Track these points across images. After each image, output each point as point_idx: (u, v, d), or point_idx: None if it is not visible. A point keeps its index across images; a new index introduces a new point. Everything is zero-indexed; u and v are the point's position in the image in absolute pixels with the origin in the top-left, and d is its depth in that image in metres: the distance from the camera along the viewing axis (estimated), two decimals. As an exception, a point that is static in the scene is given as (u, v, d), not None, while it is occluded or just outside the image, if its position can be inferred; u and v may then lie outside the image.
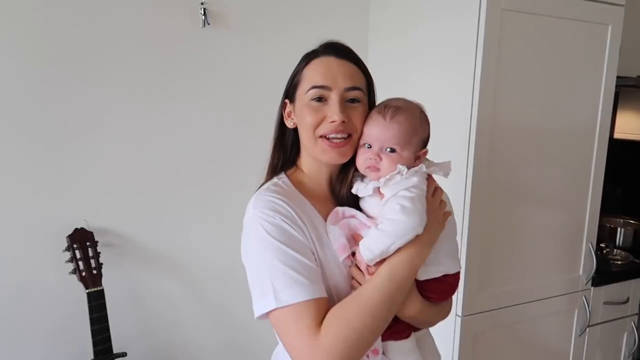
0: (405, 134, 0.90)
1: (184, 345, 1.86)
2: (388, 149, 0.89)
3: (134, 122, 1.66)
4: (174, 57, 1.68)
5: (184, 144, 1.74)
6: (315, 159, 0.94)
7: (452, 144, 1.56)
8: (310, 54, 0.95)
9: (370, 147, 0.91)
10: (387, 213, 0.86)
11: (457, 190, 1.54)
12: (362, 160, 0.92)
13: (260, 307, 0.83)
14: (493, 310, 1.64)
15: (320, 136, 0.90)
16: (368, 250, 0.84)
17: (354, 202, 0.95)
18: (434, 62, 1.65)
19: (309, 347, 0.78)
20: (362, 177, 0.95)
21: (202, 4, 1.67)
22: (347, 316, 0.80)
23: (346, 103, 0.91)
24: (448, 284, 0.95)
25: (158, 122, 1.69)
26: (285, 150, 0.99)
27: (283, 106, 0.98)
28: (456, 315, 1.58)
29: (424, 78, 1.70)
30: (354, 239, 0.89)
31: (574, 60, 1.64)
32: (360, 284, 0.88)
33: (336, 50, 0.94)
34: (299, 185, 0.95)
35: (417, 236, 0.85)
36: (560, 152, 1.68)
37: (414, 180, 0.88)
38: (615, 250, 2.10)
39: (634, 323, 1.99)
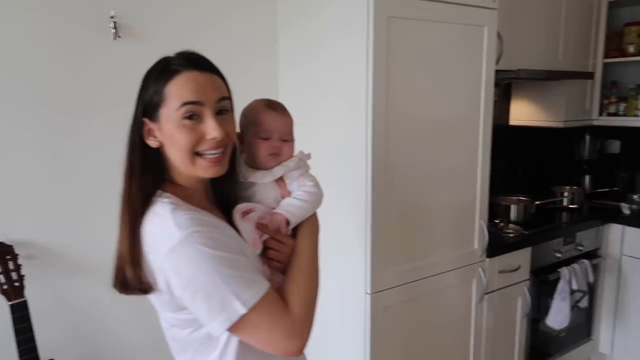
0: (293, 125, 1.08)
1: (114, 348, 1.91)
2: (285, 139, 1.05)
3: (45, 132, 1.68)
4: (85, 69, 1.71)
5: (97, 151, 1.77)
6: (185, 172, 0.93)
7: (352, 136, 1.72)
8: (168, 69, 0.89)
9: (269, 138, 1.03)
10: (300, 188, 1.04)
11: (358, 178, 1.70)
12: (265, 150, 1.04)
13: (225, 319, 0.84)
14: (400, 285, 1.82)
15: (196, 153, 0.90)
16: (292, 215, 1.01)
17: (235, 200, 1.02)
18: (333, 68, 1.80)
19: (290, 326, 0.88)
20: (245, 170, 1.05)
21: (111, 17, 1.72)
22: (302, 287, 0.95)
23: (218, 116, 0.90)
24: None
25: (71, 131, 1.72)
26: (151, 171, 0.93)
27: (140, 125, 0.91)
28: (366, 293, 1.75)
29: (325, 82, 1.85)
30: (260, 228, 1.00)
31: (456, 58, 1.85)
32: (280, 255, 1.00)
33: (197, 63, 0.91)
34: (185, 199, 0.92)
35: None
36: (450, 139, 1.89)
37: (310, 163, 1.09)
38: (509, 224, 2.37)
39: (526, 287, 2.26)
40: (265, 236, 1.00)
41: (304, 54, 1.97)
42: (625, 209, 2.62)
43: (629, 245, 2.55)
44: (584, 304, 2.45)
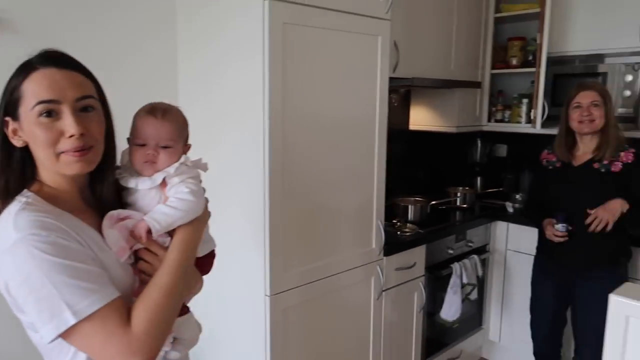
0: (176, 130, 1.04)
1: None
2: (164, 145, 1.01)
3: None
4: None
5: None
6: (53, 170, 0.91)
7: (249, 140, 1.73)
8: (26, 66, 0.88)
9: (144, 145, 1.01)
10: (175, 195, 1.00)
11: (256, 182, 1.72)
12: (140, 157, 1.01)
13: (52, 328, 0.81)
14: (300, 286, 1.86)
15: (61, 152, 0.88)
16: (156, 222, 0.95)
17: (115, 204, 0.99)
18: (231, 70, 1.80)
19: (126, 343, 0.83)
20: (130, 175, 1.02)
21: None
22: (152, 302, 0.88)
23: (80, 113, 0.89)
24: (213, 257, 1.13)
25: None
26: (15, 171, 0.90)
27: (4, 124, 0.89)
28: (265, 295, 1.77)
29: (224, 84, 1.84)
30: (133, 237, 0.97)
31: (352, 65, 1.93)
32: (151, 267, 0.96)
33: (56, 60, 0.89)
34: (52, 200, 0.90)
35: (196, 217, 1.01)
36: (348, 143, 1.96)
37: (197, 170, 1.06)
38: (407, 224, 2.50)
39: (422, 283, 2.40)
40: (139, 245, 0.97)
41: (202, 51, 1.95)
42: (510, 207, 2.87)
43: (513, 241, 2.79)
44: (474, 296, 2.65)
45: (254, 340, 1.84)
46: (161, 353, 0.99)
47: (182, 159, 1.04)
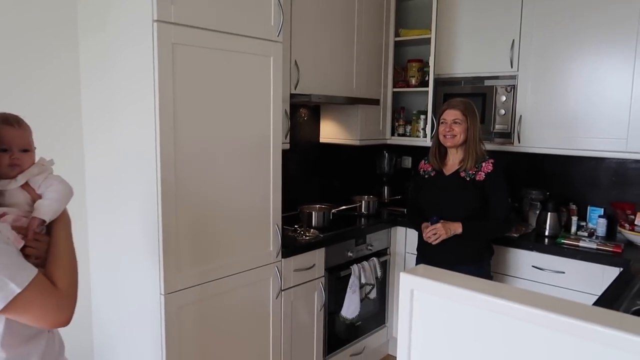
0: (30, 136, 1.24)
1: None
2: (24, 149, 1.19)
3: None
4: None
5: None
6: None
7: (142, 152, 1.87)
8: None
9: (6, 150, 1.16)
10: (47, 187, 1.20)
11: (149, 191, 1.86)
12: (5, 162, 1.16)
13: (1, 300, 0.99)
14: (195, 285, 2.00)
15: None
16: (47, 215, 1.17)
17: None
18: (131, 93, 1.93)
19: (59, 301, 1.08)
20: None
21: None
22: (66, 268, 1.15)
23: None
24: None
25: None
26: None
27: None
28: (160, 294, 1.90)
29: (121, 98, 1.98)
30: (16, 230, 1.12)
31: (245, 84, 2.12)
32: (37, 251, 1.15)
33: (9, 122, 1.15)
34: None
35: None
36: (243, 157, 2.13)
37: (51, 167, 1.27)
38: (310, 229, 2.70)
39: (321, 283, 2.60)
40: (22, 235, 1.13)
41: (101, 71, 2.07)
42: (408, 213, 3.14)
43: (410, 244, 3.05)
44: (373, 295, 2.87)
45: (149, 338, 1.96)
46: None
47: (40, 159, 1.24)
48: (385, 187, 3.55)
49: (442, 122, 2.34)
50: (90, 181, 2.18)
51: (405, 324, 1.13)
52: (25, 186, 1.18)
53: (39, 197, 1.19)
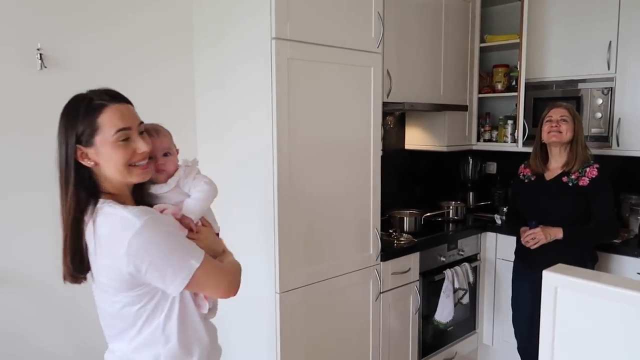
0: (170, 140, 1.37)
1: (37, 356, 2.01)
2: (165, 153, 1.33)
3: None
4: (11, 100, 1.87)
5: (31, 183, 1.92)
6: (124, 182, 1.20)
7: (260, 158, 2.01)
8: (93, 105, 1.14)
9: (152, 158, 1.29)
10: (194, 187, 1.34)
11: (266, 193, 2.00)
12: (153, 169, 1.29)
13: (185, 276, 1.15)
14: (305, 286, 2.11)
15: (130, 165, 1.17)
16: (193, 214, 1.30)
17: (149, 203, 1.29)
18: (248, 103, 2.09)
19: (228, 271, 1.28)
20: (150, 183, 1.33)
21: (38, 49, 1.91)
22: (229, 258, 1.38)
23: (141, 135, 1.20)
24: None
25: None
26: (85, 185, 1.16)
27: (74, 150, 1.14)
28: (275, 292, 2.03)
29: (237, 108, 2.14)
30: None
31: (349, 93, 2.22)
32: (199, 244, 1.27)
33: (118, 97, 1.18)
34: (119, 202, 1.19)
35: None
36: (347, 162, 2.24)
37: (197, 167, 1.40)
38: (402, 234, 2.75)
39: (416, 287, 2.65)
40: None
41: (217, 81, 2.25)
42: (498, 219, 3.12)
43: (502, 250, 3.03)
44: (465, 300, 2.88)
45: (264, 333, 2.09)
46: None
47: (184, 162, 1.37)
48: (470, 193, 3.54)
49: (547, 121, 2.33)
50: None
51: (549, 321, 1.17)
52: (177, 188, 1.32)
53: (188, 196, 1.33)
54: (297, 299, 2.09)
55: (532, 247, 2.32)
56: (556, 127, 2.28)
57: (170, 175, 1.34)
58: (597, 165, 2.28)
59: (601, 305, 1.09)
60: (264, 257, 2.05)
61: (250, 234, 2.12)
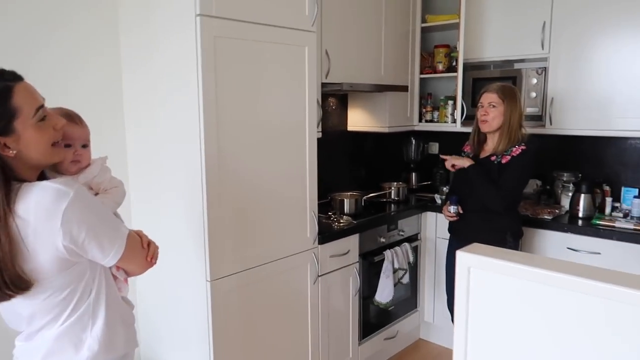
0: (89, 132, 1.30)
1: None
2: (84, 144, 1.25)
3: None
4: None
5: None
6: (45, 165, 1.16)
7: (187, 140, 1.92)
8: (3, 89, 1.03)
9: (70, 146, 1.21)
10: (112, 188, 1.30)
11: (194, 179, 1.92)
12: (69, 157, 1.22)
13: (119, 242, 1.15)
14: (239, 272, 2.06)
15: (53, 144, 1.12)
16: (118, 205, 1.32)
17: None
18: (173, 85, 1.99)
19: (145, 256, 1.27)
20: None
21: None
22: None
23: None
24: None
25: None
26: (7, 177, 1.05)
27: None
28: (206, 280, 1.96)
29: (163, 91, 2.04)
30: None
31: (283, 74, 2.15)
32: None
33: (17, 75, 1.08)
34: None
35: None
36: (281, 145, 2.18)
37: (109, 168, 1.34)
38: (343, 216, 2.74)
39: (356, 268, 2.65)
40: None
41: (143, 63, 2.13)
42: (438, 199, 3.16)
43: (441, 229, 3.07)
44: (405, 280, 2.91)
45: (196, 325, 2.03)
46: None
47: (98, 158, 1.31)
48: (413, 174, 3.56)
49: (479, 106, 2.36)
50: (133, 171, 2.24)
51: (462, 301, 1.17)
52: (84, 184, 1.25)
53: (95, 193, 1.27)
54: (230, 286, 2.03)
55: (451, 220, 2.49)
56: (485, 114, 2.32)
57: (82, 169, 1.27)
58: (524, 147, 2.31)
59: (514, 284, 1.09)
60: (193, 245, 1.98)
61: (179, 220, 2.04)
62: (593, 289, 0.88)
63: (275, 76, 2.13)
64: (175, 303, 2.14)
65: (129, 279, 1.33)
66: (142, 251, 1.24)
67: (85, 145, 1.27)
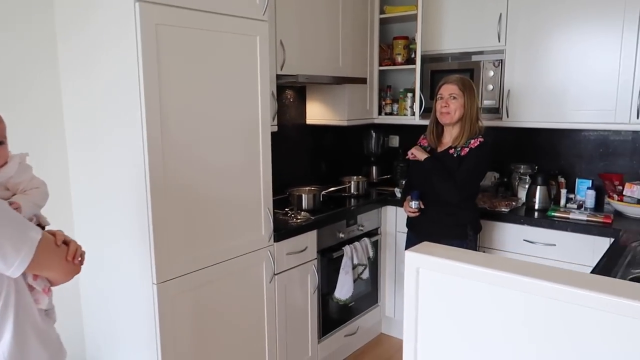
0: (5, 128, 1.18)
1: None
2: (1, 142, 1.14)
3: None
4: None
5: None
6: None
7: (129, 137, 1.81)
8: None
9: None
10: (33, 189, 1.18)
11: (137, 177, 1.80)
12: None
13: (26, 250, 1.03)
14: (189, 273, 1.96)
15: None
16: (26, 214, 1.15)
17: None
18: (114, 77, 1.86)
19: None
20: None
21: None
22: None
23: None
24: None
25: None
26: None
27: None
28: (152, 283, 1.86)
29: (104, 88, 1.91)
30: None
31: (232, 66, 2.05)
32: None
33: None
34: None
35: None
36: (232, 140, 2.08)
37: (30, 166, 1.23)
38: (300, 212, 2.67)
39: (314, 265, 2.58)
40: None
41: (83, 60, 1.99)
42: (398, 192, 3.13)
43: (401, 223, 3.03)
44: (365, 275, 2.87)
45: (144, 329, 1.92)
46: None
47: (18, 156, 1.19)
48: (374, 167, 3.52)
49: (439, 98, 2.32)
50: (74, 169, 2.10)
51: (412, 301, 1.12)
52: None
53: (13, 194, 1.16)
54: (179, 288, 1.93)
55: (413, 216, 2.42)
56: (446, 106, 2.28)
57: None
58: (482, 139, 2.29)
59: (463, 285, 1.05)
60: (138, 247, 1.87)
61: (123, 223, 1.93)
62: (538, 288, 0.85)
63: (225, 67, 2.02)
64: (123, 309, 2.02)
65: (52, 288, 1.22)
66: (59, 255, 1.12)
67: (2, 142, 1.15)
